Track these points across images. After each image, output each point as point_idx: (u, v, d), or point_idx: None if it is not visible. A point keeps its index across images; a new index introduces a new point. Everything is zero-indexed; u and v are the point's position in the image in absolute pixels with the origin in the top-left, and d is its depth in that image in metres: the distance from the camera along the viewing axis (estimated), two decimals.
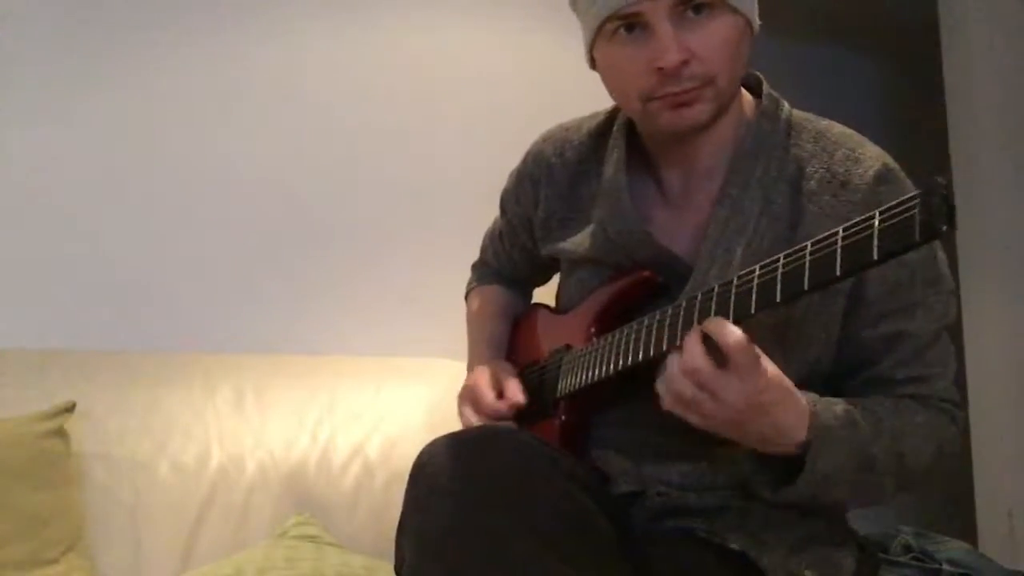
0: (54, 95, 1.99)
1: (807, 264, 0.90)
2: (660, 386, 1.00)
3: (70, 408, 1.64)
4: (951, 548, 1.52)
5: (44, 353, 1.82)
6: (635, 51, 1.07)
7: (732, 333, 0.94)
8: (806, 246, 0.91)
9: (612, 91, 1.16)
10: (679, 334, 1.01)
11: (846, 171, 1.12)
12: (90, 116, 2.01)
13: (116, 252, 2.01)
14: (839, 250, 0.87)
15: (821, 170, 1.13)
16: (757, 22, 1.13)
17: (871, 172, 1.11)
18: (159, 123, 2.05)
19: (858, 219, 0.86)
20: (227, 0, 2.11)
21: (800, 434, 1.01)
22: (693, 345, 0.97)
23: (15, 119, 1.97)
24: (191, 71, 2.08)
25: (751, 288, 0.95)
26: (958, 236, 2.53)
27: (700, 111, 1.09)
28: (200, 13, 2.09)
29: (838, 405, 1.06)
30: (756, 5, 1.13)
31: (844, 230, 0.87)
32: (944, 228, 0.79)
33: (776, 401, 0.99)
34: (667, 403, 1.00)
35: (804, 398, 1.02)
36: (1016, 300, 2.41)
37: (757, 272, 0.96)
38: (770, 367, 0.98)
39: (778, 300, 0.93)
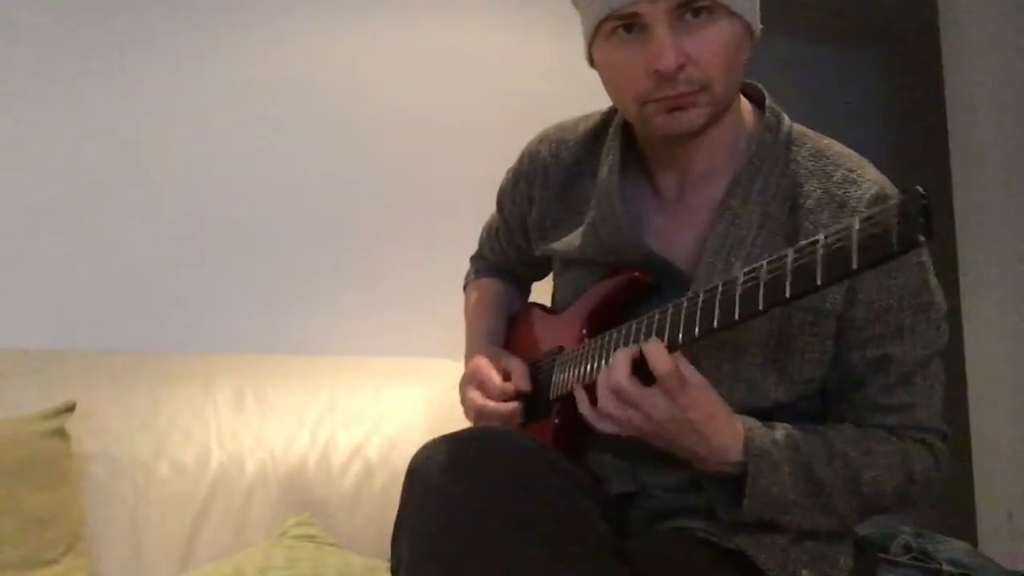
0: (52, 95, 1.99)
1: (788, 272, 0.91)
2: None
3: (70, 408, 1.64)
4: (951, 548, 1.52)
5: (44, 353, 1.82)
6: (632, 53, 1.07)
7: (661, 359, 0.99)
8: (787, 253, 0.92)
9: (609, 91, 1.16)
10: (666, 337, 1.02)
11: (844, 192, 1.12)
12: (89, 116, 2.01)
13: (116, 252, 2.01)
14: (819, 258, 0.87)
15: (819, 190, 1.13)
16: (759, 27, 1.12)
17: (868, 194, 1.11)
18: (159, 122, 2.05)
19: (838, 227, 0.87)
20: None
21: (735, 455, 1.04)
22: (619, 364, 1.02)
23: (14, 120, 1.97)
24: (190, 71, 2.08)
25: (734, 296, 0.96)
26: (958, 236, 2.53)
27: (695, 116, 1.08)
28: (200, 12, 2.08)
29: (779, 431, 1.07)
30: (758, 10, 1.12)
31: (825, 237, 0.88)
32: (922, 238, 0.79)
33: (704, 419, 1.02)
34: (591, 418, 1.06)
35: (741, 422, 1.05)
36: (1016, 301, 2.41)
37: (740, 279, 0.96)
38: (698, 388, 1.02)
39: (760, 308, 0.93)
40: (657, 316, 1.05)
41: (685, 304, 1.02)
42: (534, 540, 0.95)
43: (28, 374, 1.74)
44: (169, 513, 1.66)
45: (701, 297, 1.00)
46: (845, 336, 1.12)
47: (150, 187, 2.04)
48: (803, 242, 0.91)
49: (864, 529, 1.29)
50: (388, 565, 1.53)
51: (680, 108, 1.07)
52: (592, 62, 1.16)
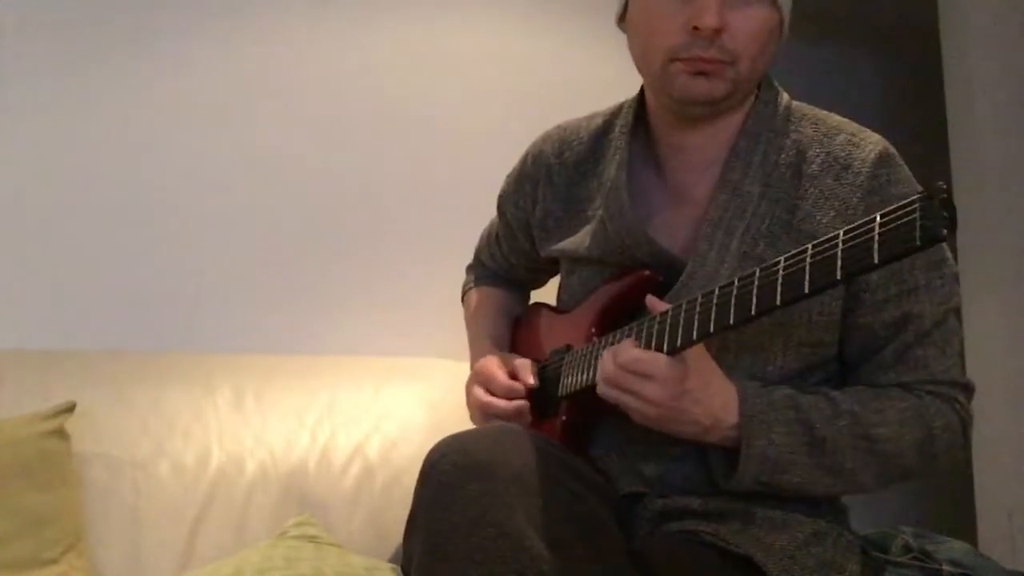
0: (53, 95, 1.99)
1: (807, 267, 0.91)
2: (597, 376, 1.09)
3: (70, 408, 1.63)
4: (951, 548, 1.51)
5: (44, 353, 1.81)
6: (675, 5, 1.10)
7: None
8: (807, 249, 0.92)
9: (638, 47, 1.17)
10: (679, 335, 1.02)
11: (847, 155, 1.14)
12: (89, 116, 2.01)
13: (116, 252, 2.01)
14: (839, 253, 0.88)
15: (823, 154, 1.14)
16: (787, 30, 1.15)
17: (872, 155, 1.13)
18: (159, 123, 2.05)
19: (859, 223, 0.87)
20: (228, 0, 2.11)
21: (732, 417, 1.05)
22: (626, 344, 1.06)
23: (14, 120, 1.97)
24: (190, 71, 2.08)
25: (751, 291, 0.96)
26: (958, 236, 2.53)
27: (715, 86, 1.11)
28: (201, 12, 2.09)
29: (777, 392, 1.08)
30: (789, 15, 1.15)
31: (845, 233, 0.88)
32: (945, 232, 0.79)
33: (700, 387, 1.04)
34: (600, 389, 1.07)
35: (736, 384, 1.07)
36: (1016, 300, 2.41)
37: (757, 275, 0.96)
38: (693, 357, 1.04)
39: (778, 303, 0.94)
40: (671, 313, 1.05)
41: (699, 300, 1.02)
42: (549, 541, 0.95)
43: (28, 374, 1.73)
44: (169, 513, 1.65)
45: (716, 293, 1.00)
46: (860, 301, 1.12)
47: (150, 187, 2.04)
48: (822, 238, 0.91)
49: (864, 529, 1.28)
50: (388, 565, 1.53)
51: (703, 73, 1.10)
52: (622, 19, 1.19)
